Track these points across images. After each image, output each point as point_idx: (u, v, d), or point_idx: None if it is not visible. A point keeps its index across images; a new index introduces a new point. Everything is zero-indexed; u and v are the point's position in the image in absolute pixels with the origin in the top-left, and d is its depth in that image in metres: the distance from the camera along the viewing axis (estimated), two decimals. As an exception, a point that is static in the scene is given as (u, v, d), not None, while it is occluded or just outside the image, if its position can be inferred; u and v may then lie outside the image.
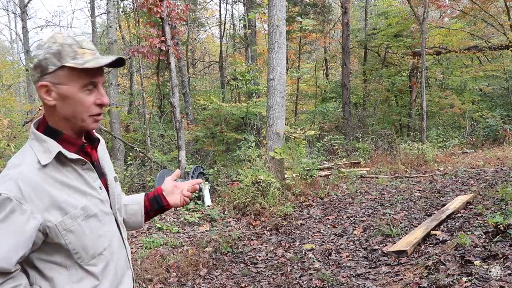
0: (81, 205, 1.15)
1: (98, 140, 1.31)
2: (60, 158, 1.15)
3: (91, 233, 1.17)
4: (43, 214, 1.09)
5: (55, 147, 1.14)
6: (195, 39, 19.52)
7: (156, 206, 1.47)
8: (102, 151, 1.34)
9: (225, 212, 5.77)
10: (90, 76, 1.14)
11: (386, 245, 4.25)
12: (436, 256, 3.43)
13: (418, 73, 13.98)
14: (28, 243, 1.09)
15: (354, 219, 5.42)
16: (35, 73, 1.13)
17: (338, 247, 4.45)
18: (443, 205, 5.37)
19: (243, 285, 3.71)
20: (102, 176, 1.28)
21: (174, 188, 1.48)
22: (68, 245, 1.13)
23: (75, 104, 1.14)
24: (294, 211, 5.79)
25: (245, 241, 4.84)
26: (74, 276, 1.16)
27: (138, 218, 1.47)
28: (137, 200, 1.48)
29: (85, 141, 1.24)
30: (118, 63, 1.18)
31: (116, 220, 1.29)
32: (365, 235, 4.71)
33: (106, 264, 1.22)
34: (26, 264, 1.15)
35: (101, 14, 18.35)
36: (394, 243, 4.15)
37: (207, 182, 6.95)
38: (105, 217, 1.23)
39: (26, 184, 1.07)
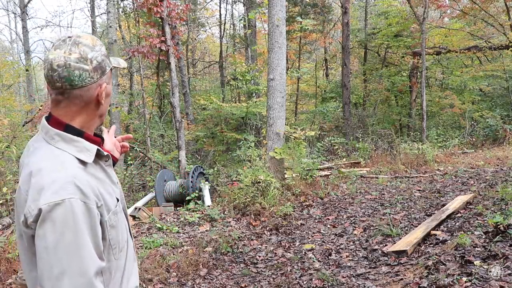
0: (116, 201, 1.19)
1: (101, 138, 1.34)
2: None
3: (121, 227, 1.21)
4: (100, 210, 1.11)
5: (91, 145, 1.16)
6: (195, 39, 19.52)
7: None
8: None
9: (225, 212, 5.77)
10: None
11: (386, 245, 4.25)
12: (436, 256, 3.43)
13: (418, 73, 13.98)
14: (101, 240, 1.10)
15: (354, 219, 5.41)
16: (94, 74, 1.13)
17: (338, 247, 4.45)
18: (443, 205, 5.36)
19: (243, 285, 3.71)
20: None
21: (113, 145, 1.58)
22: (110, 241, 1.15)
23: (108, 101, 1.24)
24: (294, 211, 5.79)
25: (245, 241, 4.84)
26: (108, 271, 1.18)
27: None
28: None
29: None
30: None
31: (124, 212, 1.33)
32: (365, 235, 4.71)
33: (125, 255, 1.26)
34: None
35: (101, 14, 18.42)
36: (394, 243, 4.15)
37: (207, 182, 6.95)
38: (122, 211, 1.27)
39: (83, 184, 1.07)
